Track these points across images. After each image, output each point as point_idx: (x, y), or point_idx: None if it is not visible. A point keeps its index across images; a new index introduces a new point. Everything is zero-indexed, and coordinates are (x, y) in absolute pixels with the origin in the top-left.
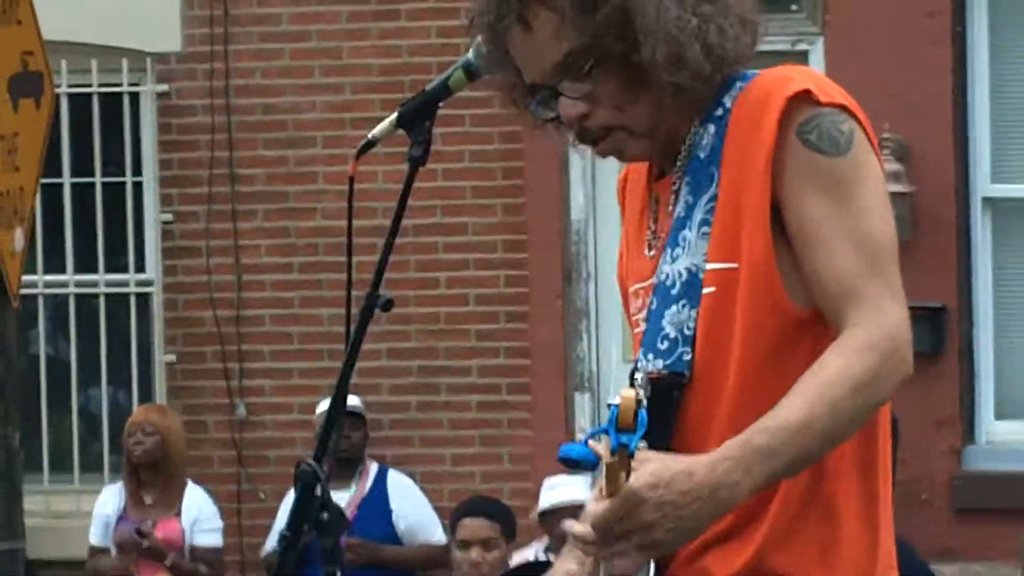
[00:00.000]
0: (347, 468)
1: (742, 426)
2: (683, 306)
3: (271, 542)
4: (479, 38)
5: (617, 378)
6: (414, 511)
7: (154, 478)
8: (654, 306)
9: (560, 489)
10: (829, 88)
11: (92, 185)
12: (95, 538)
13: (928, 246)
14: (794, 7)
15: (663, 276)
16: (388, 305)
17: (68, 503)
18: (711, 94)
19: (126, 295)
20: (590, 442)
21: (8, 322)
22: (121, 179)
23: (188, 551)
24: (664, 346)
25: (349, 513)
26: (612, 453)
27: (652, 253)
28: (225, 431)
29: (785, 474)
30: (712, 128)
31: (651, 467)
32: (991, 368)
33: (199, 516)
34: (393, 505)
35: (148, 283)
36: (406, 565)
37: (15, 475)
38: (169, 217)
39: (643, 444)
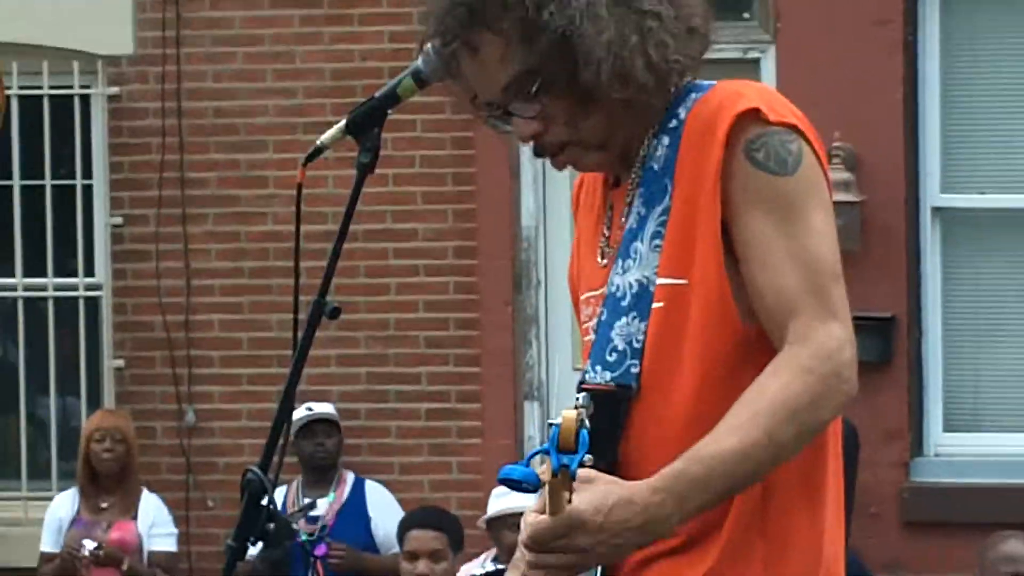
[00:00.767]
0: (323, 475)
1: (693, 440)
2: (633, 318)
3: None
4: (427, 46)
5: (566, 387)
6: (392, 520)
7: (114, 484)
8: (603, 317)
9: (509, 497)
10: (779, 106)
11: (42, 187)
12: (46, 545)
13: (877, 256)
14: (746, 15)
15: (613, 287)
16: (335, 313)
17: (16, 510)
18: (663, 105)
19: (75, 299)
20: (532, 462)
21: None
22: (71, 182)
23: (145, 556)
24: (612, 358)
25: (328, 520)
26: (554, 474)
27: (604, 262)
28: (174, 437)
29: (718, 503)
30: (666, 139)
31: (594, 491)
32: (940, 379)
33: (155, 521)
34: (372, 513)
35: (97, 287)
36: (388, 574)
37: None
38: (119, 220)
39: (588, 458)
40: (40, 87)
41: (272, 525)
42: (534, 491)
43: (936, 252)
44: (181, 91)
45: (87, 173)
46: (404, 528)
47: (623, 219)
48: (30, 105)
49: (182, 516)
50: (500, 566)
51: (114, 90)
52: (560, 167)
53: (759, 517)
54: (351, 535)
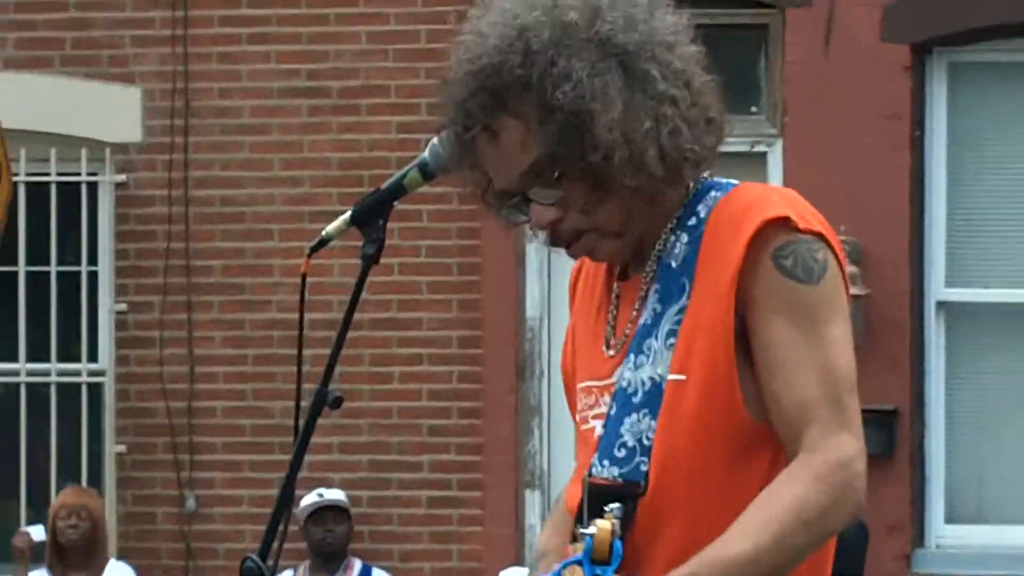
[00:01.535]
0: (331, 562)
1: (695, 538)
2: (644, 415)
3: None
4: (435, 138)
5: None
6: None
7: (82, 560)
8: (613, 411)
9: None
10: (808, 214)
11: (47, 274)
12: None
13: (881, 349)
14: (753, 109)
15: (624, 383)
16: (337, 402)
17: None
18: (680, 199)
19: (78, 384)
20: (563, 573)
21: None
22: (76, 268)
23: None
24: (621, 454)
25: None
26: None
27: (612, 353)
28: (174, 523)
29: None
30: (685, 237)
31: None
32: (942, 471)
33: None
34: None
35: (100, 372)
36: None
37: None
38: (123, 307)
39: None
40: (48, 174)
41: None
42: None
43: (940, 345)
44: (188, 179)
45: (92, 259)
46: None
47: (634, 312)
48: (38, 192)
49: None
50: None
51: (121, 178)
52: (576, 255)
53: None
54: None
